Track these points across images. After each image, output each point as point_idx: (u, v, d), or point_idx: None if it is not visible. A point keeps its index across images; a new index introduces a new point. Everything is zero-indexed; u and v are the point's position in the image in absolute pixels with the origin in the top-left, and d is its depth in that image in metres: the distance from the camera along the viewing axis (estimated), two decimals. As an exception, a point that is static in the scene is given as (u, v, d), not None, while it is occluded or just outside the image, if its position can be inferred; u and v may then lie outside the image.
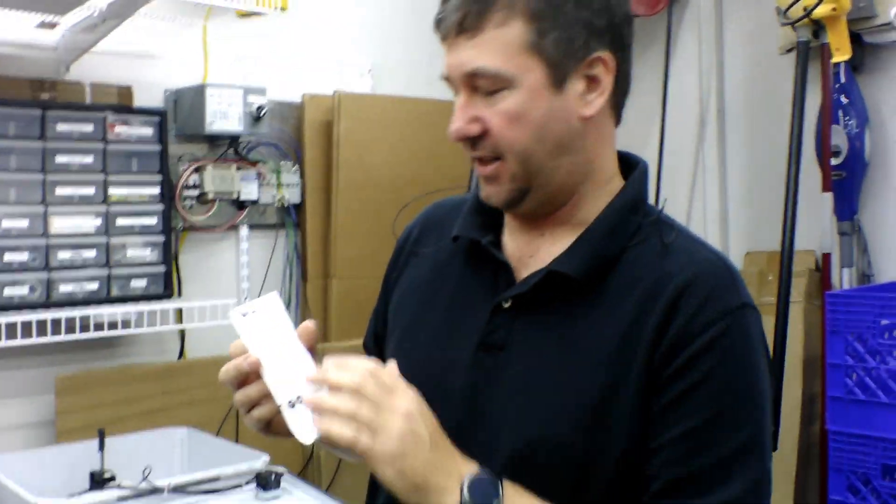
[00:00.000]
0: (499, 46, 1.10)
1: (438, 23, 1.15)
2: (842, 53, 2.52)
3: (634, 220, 1.18)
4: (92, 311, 2.28)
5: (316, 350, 1.13)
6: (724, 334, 1.09)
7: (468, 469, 1.05)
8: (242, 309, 1.12)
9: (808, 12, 2.46)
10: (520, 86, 1.11)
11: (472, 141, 1.14)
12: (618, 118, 1.21)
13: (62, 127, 2.34)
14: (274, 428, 1.13)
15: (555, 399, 1.10)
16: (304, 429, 1.05)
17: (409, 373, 1.22)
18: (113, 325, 2.34)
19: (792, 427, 2.78)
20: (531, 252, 1.21)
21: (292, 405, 1.06)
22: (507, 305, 1.17)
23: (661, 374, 1.08)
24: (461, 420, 1.15)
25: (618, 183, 1.22)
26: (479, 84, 1.12)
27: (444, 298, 1.26)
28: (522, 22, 1.10)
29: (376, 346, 1.41)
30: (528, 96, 1.11)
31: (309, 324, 1.14)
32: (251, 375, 1.10)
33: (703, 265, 1.14)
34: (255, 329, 1.10)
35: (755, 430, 1.10)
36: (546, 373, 1.12)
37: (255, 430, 1.16)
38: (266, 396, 1.10)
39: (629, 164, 1.24)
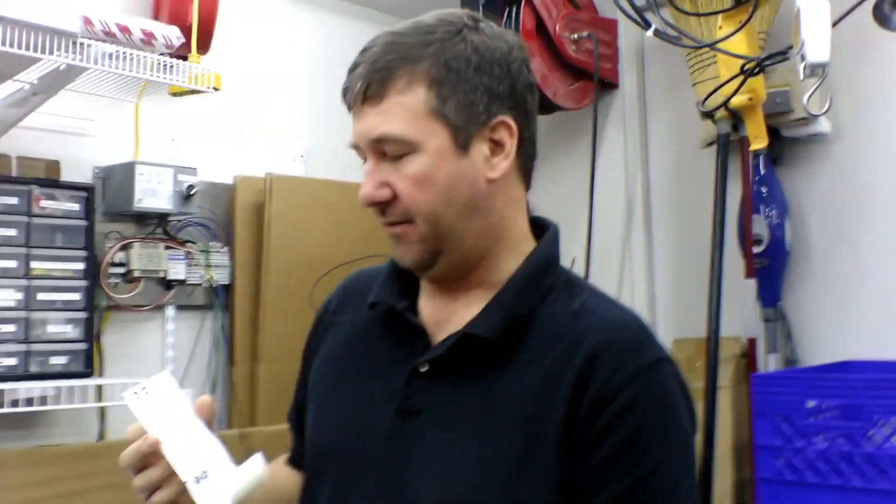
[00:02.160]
0: (402, 112, 1.13)
1: (345, 92, 1.18)
2: (759, 141, 2.60)
3: (546, 280, 1.20)
4: (8, 386, 2.19)
5: (213, 424, 1.12)
6: (644, 391, 1.09)
7: None
8: (134, 389, 1.11)
9: (724, 101, 2.55)
10: (424, 149, 1.13)
11: (382, 207, 1.15)
12: (527, 182, 1.23)
13: (-14, 199, 2.29)
14: None
15: (473, 463, 1.09)
16: (213, 502, 1.04)
17: (328, 442, 1.22)
18: (30, 402, 2.25)
19: (724, 514, 2.77)
20: (446, 316, 1.21)
21: (198, 481, 1.05)
22: (423, 370, 1.17)
23: (583, 439, 1.08)
24: (381, 487, 1.14)
25: (529, 245, 1.23)
26: (385, 149, 1.14)
27: (361, 366, 1.25)
28: (424, 88, 1.13)
29: (297, 420, 1.39)
30: (433, 159, 1.13)
31: (205, 398, 1.13)
32: (151, 458, 1.09)
33: (616, 324, 1.15)
34: (150, 408, 1.10)
35: (682, 483, 1.10)
36: (463, 436, 1.11)
37: None
38: (167, 479, 1.09)
39: (541, 228, 1.26)
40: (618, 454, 1.07)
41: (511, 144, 1.17)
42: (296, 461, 1.39)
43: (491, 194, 1.17)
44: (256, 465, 1.09)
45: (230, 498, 1.04)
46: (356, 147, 1.18)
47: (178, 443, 1.07)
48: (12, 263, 2.32)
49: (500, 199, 1.18)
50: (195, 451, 1.06)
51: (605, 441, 1.07)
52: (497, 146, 1.17)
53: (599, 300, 1.20)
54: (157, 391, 1.11)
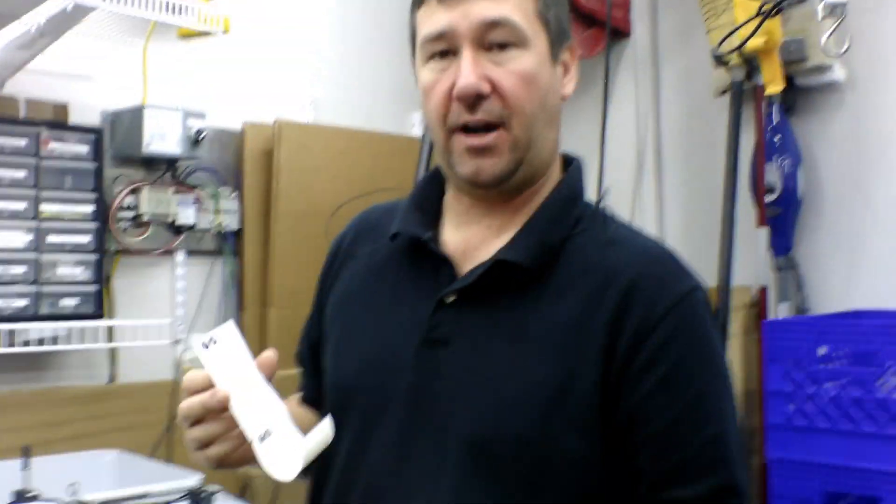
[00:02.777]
0: (518, 3, 1.11)
1: None
2: (775, 85, 2.58)
3: (575, 211, 1.18)
4: (19, 326, 2.19)
5: (273, 380, 1.08)
6: (683, 321, 1.09)
7: None
8: (203, 339, 1.07)
9: (740, 44, 2.52)
10: (532, 47, 1.12)
11: (474, 102, 1.10)
12: None
13: (-6, 140, 2.27)
14: (225, 462, 1.09)
15: (507, 390, 1.08)
16: (279, 464, 1.01)
17: (351, 376, 1.20)
18: (41, 342, 2.25)
19: (731, 462, 2.77)
20: (475, 245, 1.18)
21: (262, 439, 1.02)
22: (450, 300, 1.15)
23: (626, 371, 1.07)
24: (408, 418, 1.12)
25: (557, 175, 1.22)
26: (494, 38, 1.10)
27: (383, 299, 1.22)
28: None
29: (311, 357, 1.36)
30: (538, 60, 1.12)
31: (270, 354, 1.09)
32: (213, 414, 1.05)
33: (651, 254, 1.15)
34: (218, 361, 1.05)
35: (728, 403, 1.11)
36: (495, 365, 1.09)
37: (204, 465, 1.10)
38: (225, 433, 1.06)
39: (566, 161, 1.25)
40: (663, 385, 1.07)
41: (574, 69, 1.19)
42: (311, 399, 1.37)
43: (560, 112, 1.18)
44: (325, 429, 1.05)
45: (301, 463, 1.01)
46: (441, 36, 1.12)
47: (245, 399, 1.03)
48: (21, 205, 2.30)
49: (560, 120, 1.20)
50: (260, 409, 1.03)
51: (649, 373, 1.07)
52: (566, 68, 1.19)
53: (629, 231, 1.19)
54: (225, 342, 1.06)
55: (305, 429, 1.32)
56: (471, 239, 1.19)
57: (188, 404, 1.05)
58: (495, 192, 1.17)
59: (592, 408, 1.07)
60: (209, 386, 1.04)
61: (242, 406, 1.02)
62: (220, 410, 1.04)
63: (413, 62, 1.21)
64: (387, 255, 1.25)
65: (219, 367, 1.04)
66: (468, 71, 1.09)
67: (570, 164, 1.23)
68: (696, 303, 1.11)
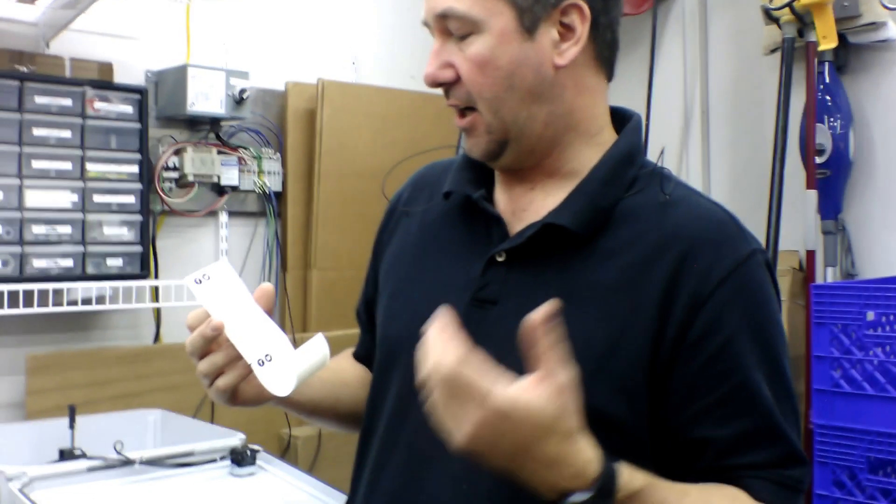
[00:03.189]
0: None
1: None
2: (829, 41, 2.52)
3: (630, 171, 1.16)
4: (66, 286, 2.22)
5: (272, 312, 1.12)
6: (740, 287, 1.07)
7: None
8: (196, 275, 1.11)
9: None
10: (487, 30, 1.09)
11: (446, 89, 1.13)
12: (607, 71, 1.18)
13: (40, 100, 2.29)
14: (240, 397, 1.12)
15: None
16: (278, 383, 1.04)
17: (399, 332, 1.20)
18: (87, 301, 2.27)
19: (775, 427, 2.75)
20: (524, 206, 1.18)
21: (261, 363, 1.05)
22: (500, 259, 1.14)
23: (683, 340, 1.05)
24: None
25: (609, 136, 1.19)
26: (450, 27, 1.11)
27: (435, 256, 1.23)
28: None
29: (367, 313, 1.37)
30: (496, 41, 1.09)
31: (266, 286, 1.12)
32: (214, 344, 1.09)
33: (708, 217, 1.12)
34: (212, 294, 1.09)
35: (783, 372, 1.09)
36: None
37: (220, 403, 1.13)
38: (230, 363, 1.09)
39: (622, 119, 1.21)
40: (721, 354, 1.05)
41: (582, 30, 1.11)
42: (361, 355, 1.39)
43: (559, 82, 1.12)
44: (319, 346, 1.08)
45: (295, 378, 1.04)
46: (426, 24, 1.15)
47: (241, 327, 1.07)
48: (67, 165, 2.32)
49: (569, 87, 1.13)
50: (258, 335, 1.06)
51: (705, 342, 1.05)
52: (567, 31, 1.11)
53: (687, 192, 1.16)
54: (219, 278, 1.10)
55: (353, 379, 1.33)
56: (518, 199, 1.19)
57: (189, 339, 1.09)
58: (502, 166, 1.18)
59: (639, 373, 1.06)
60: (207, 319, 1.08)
61: (240, 333, 1.07)
62: (219, 340, 1.08)
63: None
64: (440, 214, 1.25)
65: (213, 301, 1.09)
66: (430, 61, 1.13)
67: (627, 121, 1.20)
68: (755, 267, 1.09)
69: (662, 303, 1.06)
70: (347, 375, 1.35)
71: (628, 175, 1.15)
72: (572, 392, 0.94)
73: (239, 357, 1.08)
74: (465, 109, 1.13)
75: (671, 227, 1.09)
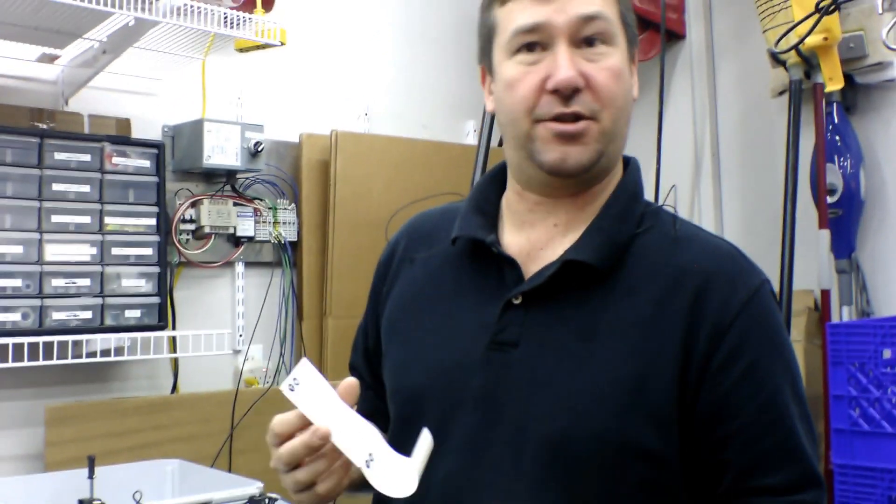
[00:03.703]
0: (610, 3, 1.15)
1: None
2: (835, 83, 2.54)
3: (638, 208, 1.20)
4: (85, 338, 2.24)
5: (356, 407, 1.08)
6: (757, 315, 1.11)
7: None
8: (287, 382, 1.07)
9: (798, 42, 2.48)
10: (618, 45, 1.15)
11: (570, 95, 1.12)
12: None
13: (60, 156, 2.33)
14: (332, 496, 1.10)
15: (582, 390, 1.09)
16: (394, 483, 1.03)
17: (419, 383, 1.20)
18: (106, 353, 2.30)
19: (795, 468, 2.73)
20: (542, 245, 1.19)
21: (368, 465, 1.03)
22: (517, 302, 1.15)
23: (708, 368, 1.09)
24: (482, 422, 1.13)
25: (619, 174, 1.23)
26: (586, 33, 1.13)
27: (445, 303, 1.23)
28: None
29: (367, 365, 1.36)
30: (623, 58, 1.16)
31: (351, 382, 1.08)
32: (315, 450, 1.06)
33: (718, 253, 1.17)
34: (307, 398, 1.06)
35: (801, 392, 1.14)
36: (565, 367, 1.10)
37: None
38: (329, 469, 1.06)
39: (623, 161, 1.26)
40: (744, 380, 1.09)
41: (636, 74, 1.21)
42: (369, 412, 1.33)
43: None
44: (428, 441, 1.07)
45: (417, 478, 1.03)
46: (534, 29, 1.13)
47: (341, 429, 1.04)
48: (86, 219, 2.35)
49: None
50: (357, 436, 1.04)
51: (729, 369, 1.09)
52: (633, 66, 1.21)
53: (694, 229, 1.21)
54: (307, 380, 1.07)
55: None
56: (535, 240, 1.20)
57: (290, 449, 1.04)
58: (572, 183, 1.18)
59: (669, 404, 1.08)
60: (302, 426, 1.04)
61: (342, 436, 1.03)
62: (321, 447, 1.04)
63: (484, 60, 1.23)
64: (444, 260, 1.26)
65: (309, 405, 1.05)
66: (567, 65, 1.11)
67: (627, 164, 1.25)
68: (766, 296, 1.14)
69: (685, 335, 1.09)
70: None
71: (637, 212, 1.19)
72: None
73: (336, 460, 1.06)
74: (577, 118, 1.13)
75: (684, 263, 1.13)
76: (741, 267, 1.15)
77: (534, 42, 1.13)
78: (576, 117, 1.12)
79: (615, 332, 1.10)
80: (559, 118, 1.12)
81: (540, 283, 1.14)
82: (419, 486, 1.15)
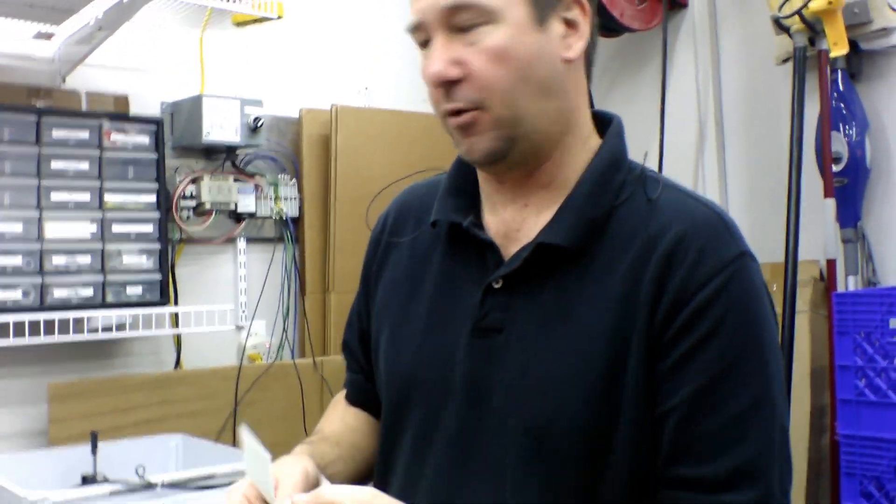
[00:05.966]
0: None
1: None
2: (840, 48, 2.51)
3: (618, 177, 1.13)
4: (86, 314, 2.24)
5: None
6: (725, 287, 1.03)
7: None
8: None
9: (801, 6, 2.45)
10: (503, 20, 1.06)
11: (449, 89, 1.07)
12: (589, 73, 1.17)
13: (58, 133, 2.32)
14: None
15: (563, 375, 1.06)
16: None
17: (408, 370, 1.18)
18: (107, 329, 2.30)
19: (801, 439, 2.72)
20: (516, 226, 1.15)
21: None
22: (497, 286, 1.12)
23: (664, 336, 1.04)
24: (469, 410, 1.11)
25: (595, 141, 1.17)
26: (459, 20, 1.06)
27: (429, 287, 1.20)
28: None
29: (362, 347, 1.34)
30: (512, 32, 1.06)
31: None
32: None
33: (694, 217, 1.09)
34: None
35: (764, 385, 1.04)
36: (548, 351, 1.07)
37: None
38: None
39: (602, 122, 1.19)
40: (693, 353, 1.02)
41: (585, 25, 1.11)
42: (360, 401, 1.35)
43: (565, 76, 1.11)
44: None
45: None
46: (416, 28, 1.11)
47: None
48: (86, 196, 2.35)
49: (572, 84, 1.12)
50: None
51: (681, 340, 1.03)
52: (571, 26, 1.11)
53: (676, 192, 1.13)
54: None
55: (363, 443, 1.29)
56: (510, 220, 1.16)
57: None
58: (502, 169, 1.13)
59: (642, 385, 1.04)
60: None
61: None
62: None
63: None
64: (429, 243, 1.23)
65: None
66: (435, 58, 1.07)
67: (608, 126, 1.18)
68: (742, 271, 1.05)
69: (651, 305, 1.04)
70: (356, 437, 1.30)
71: (616, 181, 1.13)
72: None
73: None
74: (464, 111, 1.08)
75: (657, 230, 1.07)
76: (717, 234, 1.07)
77: (425, 39, 1.10)
78: (459, 111, 1.08)
79: (592, 313, 1.06)
80: (447, 113, 1.09)
81: (517, 267, 1.10)
82: (410, 479, 1.15)
